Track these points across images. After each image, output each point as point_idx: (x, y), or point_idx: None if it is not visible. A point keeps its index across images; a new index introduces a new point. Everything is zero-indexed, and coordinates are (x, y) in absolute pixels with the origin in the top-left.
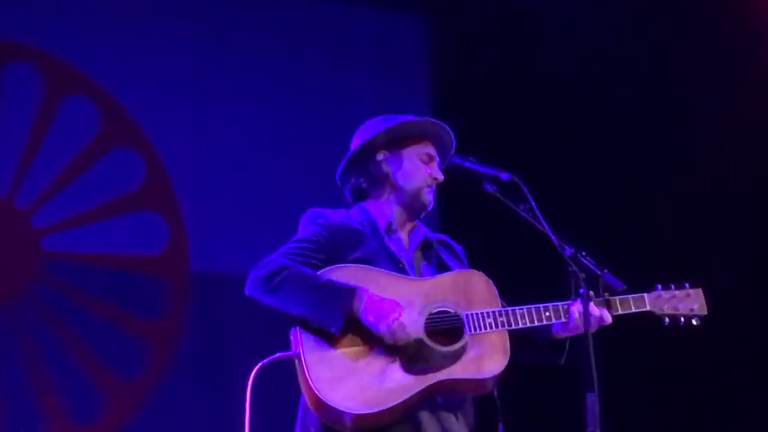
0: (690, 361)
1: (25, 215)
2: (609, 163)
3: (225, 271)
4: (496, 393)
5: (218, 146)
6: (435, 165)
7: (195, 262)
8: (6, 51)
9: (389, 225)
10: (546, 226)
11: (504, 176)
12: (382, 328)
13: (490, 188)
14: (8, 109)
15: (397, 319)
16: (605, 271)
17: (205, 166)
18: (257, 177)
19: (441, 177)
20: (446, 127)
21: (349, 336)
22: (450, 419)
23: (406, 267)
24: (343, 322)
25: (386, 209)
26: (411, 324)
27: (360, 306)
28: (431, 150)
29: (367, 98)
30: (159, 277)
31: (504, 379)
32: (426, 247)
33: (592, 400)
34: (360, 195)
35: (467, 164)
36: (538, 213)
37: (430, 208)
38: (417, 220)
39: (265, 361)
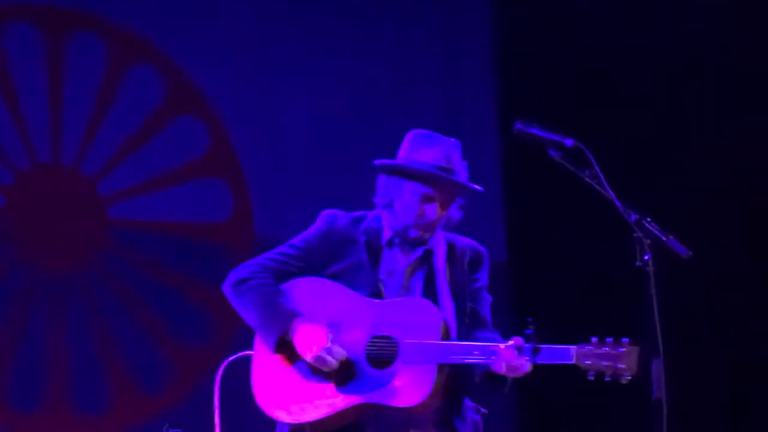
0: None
1: (91, 183)
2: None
3: (289, 237)
4: (454, 421)
5: (281, 113)
6: (433, 205)
7: (260, 228)
8: (71, 20)
9: (391, 240)
10: (611, 192)
11: (568, 142)
12: (308, 357)
13: (554, 154)
14: (74, 77)
15: (323, 347)
16: (670, 237)
17: (268, 132)
18: (320, 142)
19: (433, 219)
20: (465, 185)
21: (293, 350)
22: None
23: (382, 285)
24: (275, 344)
25: (392, 222)
26: (347, 347)
27: (293, 336)
28: (434, 192)
29: (432, 64)
30: (224, 243)
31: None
32: (423, 261)
33: (658, 366)
34: (380, 198)
35: (531, 130)
36: (603, 179)
37: (421, 242)
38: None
39: (231, 357)
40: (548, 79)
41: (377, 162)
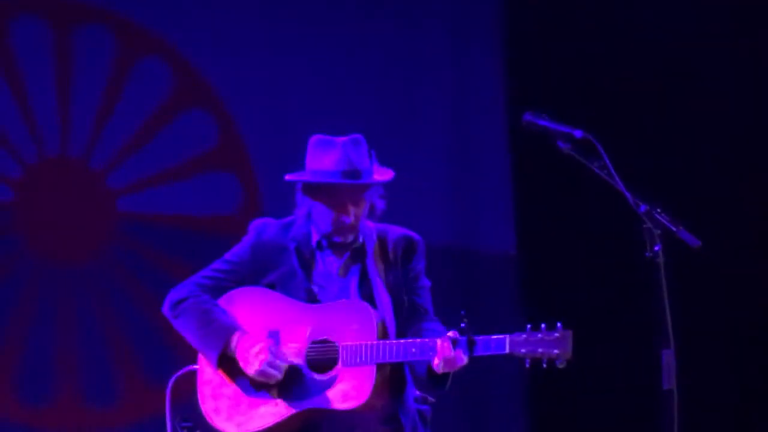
0: None
1: (100, 176)
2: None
3: None
4: (402, 419)
5: (290, 105)
6: (346, 210)
7: None
8: (80, 13)
9: (320, 242)
10: (620, 183)
11: (578, 133)
12: (250, 372)
13: (564, 146)
14: (83, 70)
15: (264, 361)
16: (681, 227)
17: (277, 125)
18: (331, 135)
19: (350, 221)
20: (363, 185)
21: (236, 364)
22: None
23: (317, 289)
24: (217, 360)
25: (317, 230)
26: (288, 355)
27: (234, 350)
28: (341, 198)
29: (440, 58)
30: (233, 237)
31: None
32: (355, 258)
33: (669, 357)
34: (299, 210)
35: (541, 122)
36: (612, 170)
37: (352, 240)
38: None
39: (179, 373)
40: (557, 70)
41: (286, 178)
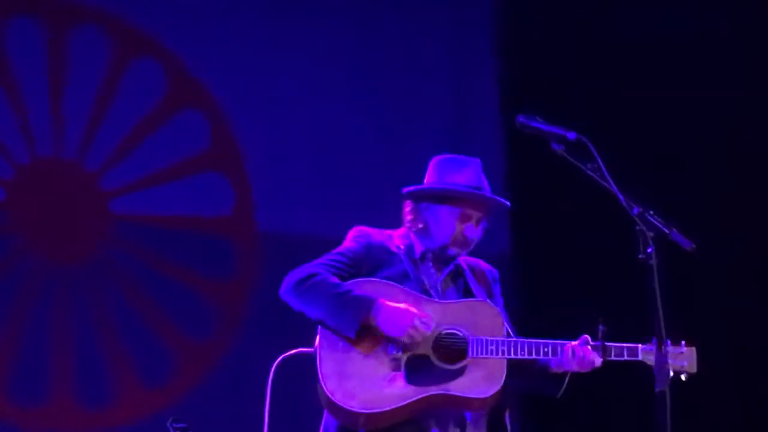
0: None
1: (93, 177)
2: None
3: (292, 231)
4: (507, 417)
5: (283, 106)
6: (470, 224)
7: (261, 222)
8: (73, 14)
9: (424, 254)
10: (613, 186)
11: (571, 135)
12: (397, 333)
13: (557, 148)
14: (76, 71)
15: (411, 325)
16: (673, 229)
17: (270, 126)
18: (323, 137)
19: (472, 236)
20: (497, 200)
21: (363, 341)
22: None
23: (431, 291)
24: (358, 328)
25: (426, 243)
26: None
27: (377, 315)
28: (471, 211)
29: (435, 59)
30: (227, 238)
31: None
32: (455, 276)
33: (661, 359)
34: (411, 222)
35: (534, 124)
36: (605, 172)
37: (458, 260)
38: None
39: (287, 354)
40: (554, 72)
41: (409, 189)
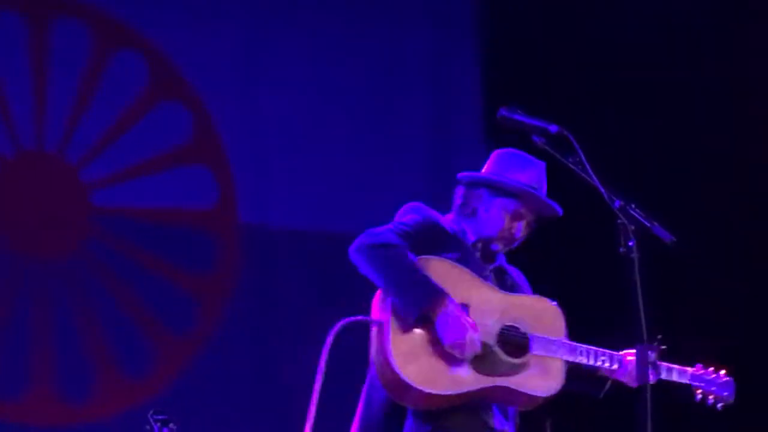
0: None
1: (74, 170)
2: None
3: (274, 224)
4: (549, 422)
5: (266, 98)
6: (521, 223)
7: (245, 215)
8: (55, 6)
9: (475, 243)
10: (595, 179)
11: (553, 128)
12: (446, 342)
13: (538, 141)
14: (57, 64)
15: (462, 340)
16: (655, 223)
17: (253, 119)
18: (305, 130)
19: (519, 235)
20: (554, 207)
21: (431, 323)
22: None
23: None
24: (418, 316)
25: (474, 230)
26: (482, 334)
27: (439, 313)
28: (524, 211)
29: (417, 53)
30: (209, 231)
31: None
32: (500, 272)
33: (643, 353)
34: (460, 206)
35: (516, 117)
36: (587, 165)
37: (500, 255)
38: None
39: (347, 320)
40: (536, 66)
41: (467, 175)
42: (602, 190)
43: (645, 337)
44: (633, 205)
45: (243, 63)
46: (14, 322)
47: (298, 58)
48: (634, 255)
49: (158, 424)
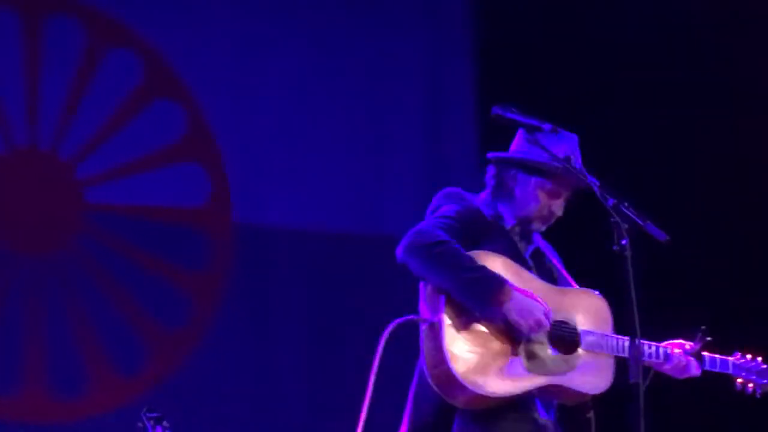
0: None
1: (68, 167)
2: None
3: (268, 222)
4: (592, 414)
5: (260, 97)
6: (558, 201)
7: (238, 213)
8: (48, 4)
9: (513, 228)
10: (589, 176)
11: (546, 127)
12: (522, 321)
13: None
14: (51, 61)
15: (537, 318)
16: (648, 222)
17: (247, 117)
18: (299, 129)
19: (559, 213)
20: (590, 179)
21: (486, 320)
22: (548, 425)
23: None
24: (486, 307)
25: (511, 212)
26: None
27: (507, 299)
28: (561, 188)
29: (411, 51)
30: (202, 228)
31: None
32: (538, 255)
33: (635, 350)
34: (495, 187)
35: (509, 115)
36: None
37: (535, 234)
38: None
39: (399, 320)
40: (529, 65)
41: (498, 155)
42: (595, 188)
43: (638, 334)
44: (626, 204)
45: (237, 61)
46: (7, 319)
47: (292, 57)
48: (627, 253)
49: (151, 421)
